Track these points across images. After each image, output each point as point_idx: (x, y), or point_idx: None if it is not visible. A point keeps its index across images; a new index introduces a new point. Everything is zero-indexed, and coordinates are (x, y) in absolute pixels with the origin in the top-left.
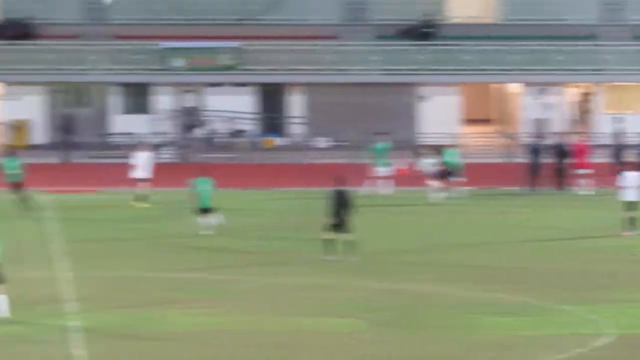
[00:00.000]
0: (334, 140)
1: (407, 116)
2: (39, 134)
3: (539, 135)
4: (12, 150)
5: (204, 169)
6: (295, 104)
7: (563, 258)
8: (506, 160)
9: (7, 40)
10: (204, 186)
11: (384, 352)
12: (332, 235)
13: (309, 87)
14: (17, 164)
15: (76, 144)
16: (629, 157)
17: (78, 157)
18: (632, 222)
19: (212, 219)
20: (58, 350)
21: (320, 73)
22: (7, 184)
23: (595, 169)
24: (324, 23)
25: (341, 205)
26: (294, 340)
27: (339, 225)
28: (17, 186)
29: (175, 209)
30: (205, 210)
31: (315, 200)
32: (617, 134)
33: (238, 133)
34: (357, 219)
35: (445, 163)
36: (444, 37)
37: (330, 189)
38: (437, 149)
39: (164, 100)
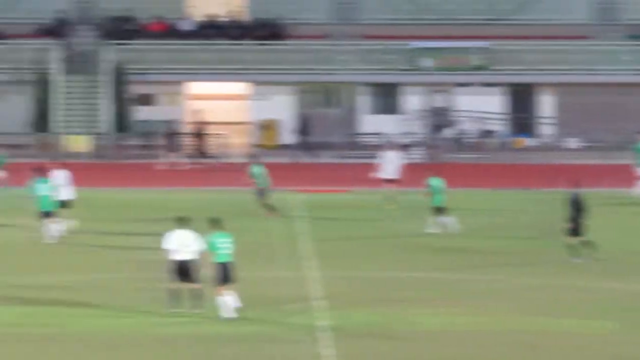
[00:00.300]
0: (585, 141)
1: None
2: (289, 134)
3: None
4: (256, 155)
5: (437, 169)
6: (545, 104)
7: None
8: None
9: (256, 40)
10: (436, 186)
11: (632, 354)
12: (571, 239)
13: (559, 87)
14: (263, 171)
15: (323, 144)
16: None
17: (327, 157)
18: None
19: (446, 219)
20: (306, 350)
21: (571, 73)
22: (255, 188)
23: None
24: (574, 22)
25: (576, 208)
26: (540, 341)
27: (575, 229)
28: (263, 191)
29: (421, 209)
30: (438, 210)
31: (562, 201)
32: None
33: (487, 133)
34: (608, 220)
35: None
36: None
37: (567, 191)
38: None
39: (412, 100)
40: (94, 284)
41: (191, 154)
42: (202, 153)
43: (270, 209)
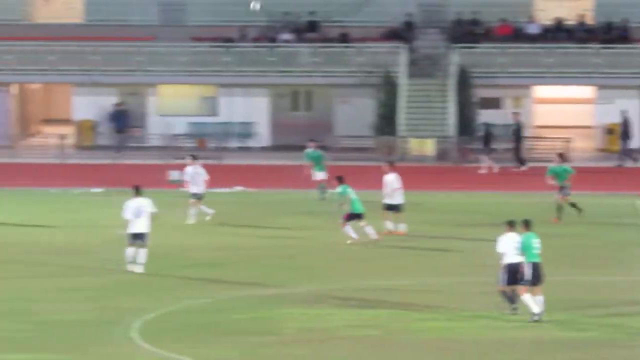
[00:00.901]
0: None
1: None
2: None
3: None
4: (563, 156)
5: None
6: None
7: None
8: None
9: (602, 43)
10: None
11: None
12: None
13: None
14: (565, 170)
15: None
16: None
17: None
18: None
19: None
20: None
21: None
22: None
23: None
24: None
25: None
26: None
27: None
28: (564, 190)
29: None
30: None
31: None
32: None
33: None
34: None
35: None
36: None
37: None
38: None
39: None
40: (427, 287)
41: (512, 158)
42: (519, 156)
43: (575, 208)
